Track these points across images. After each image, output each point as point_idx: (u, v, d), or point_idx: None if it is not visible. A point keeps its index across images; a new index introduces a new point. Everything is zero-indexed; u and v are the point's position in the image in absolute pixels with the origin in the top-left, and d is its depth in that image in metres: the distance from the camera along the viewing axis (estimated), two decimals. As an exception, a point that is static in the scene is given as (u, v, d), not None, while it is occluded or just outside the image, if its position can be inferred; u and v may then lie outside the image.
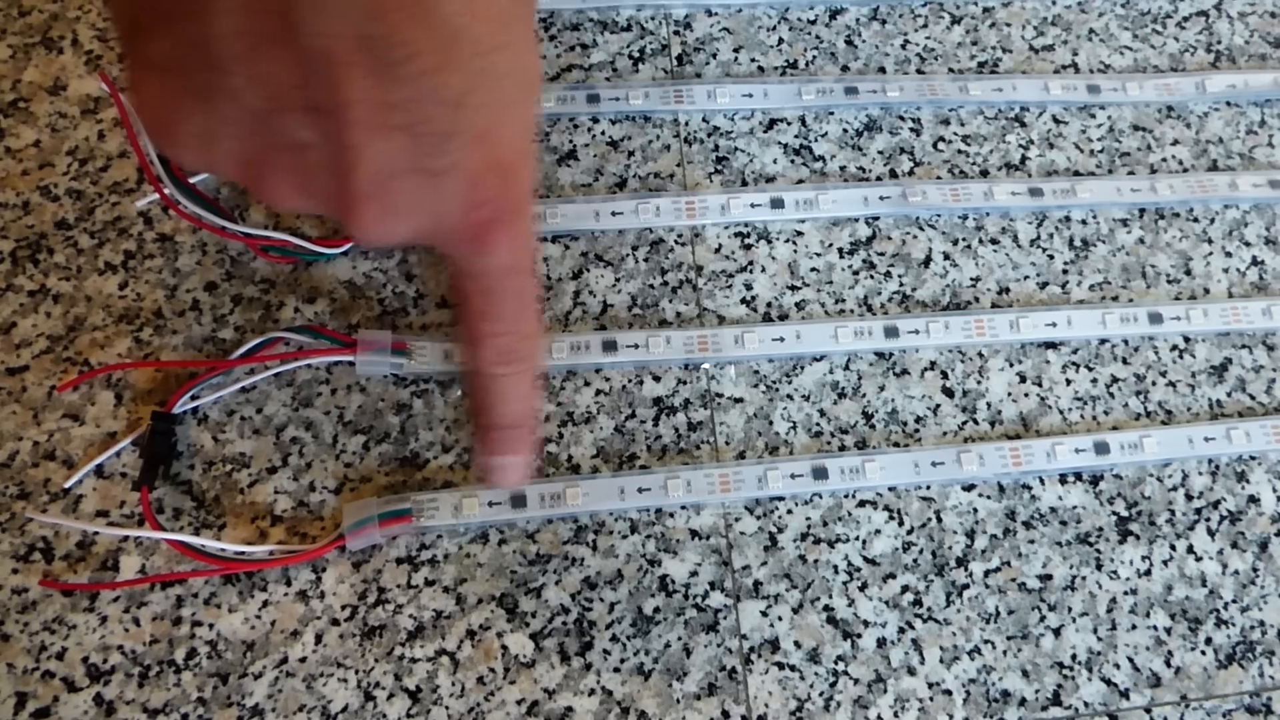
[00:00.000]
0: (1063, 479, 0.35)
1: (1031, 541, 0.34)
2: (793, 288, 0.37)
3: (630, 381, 0.35)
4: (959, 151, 0.40)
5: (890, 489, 0.34)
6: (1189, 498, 0.35)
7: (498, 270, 0.24)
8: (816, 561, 0.33)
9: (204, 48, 0.19)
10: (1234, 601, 0.34)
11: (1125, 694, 0.32)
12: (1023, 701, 0.32)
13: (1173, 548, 0.34)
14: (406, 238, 0.23)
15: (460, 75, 0.21)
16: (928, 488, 0.34)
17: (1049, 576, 0.33)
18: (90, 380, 0.34)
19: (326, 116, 0.20)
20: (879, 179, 0.39)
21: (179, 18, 0.20)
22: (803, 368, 0.36)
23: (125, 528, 0.32)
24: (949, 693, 0.32)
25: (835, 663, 0.32)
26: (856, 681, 0.32)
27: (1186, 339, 0.38)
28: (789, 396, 0.35)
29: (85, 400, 0.33)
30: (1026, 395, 0.36)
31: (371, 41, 0.19)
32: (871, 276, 0.38)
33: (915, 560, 0.33)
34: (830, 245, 0.38)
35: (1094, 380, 0.37)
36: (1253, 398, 0.37)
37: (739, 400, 0.35)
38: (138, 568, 0.31)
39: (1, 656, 0.30)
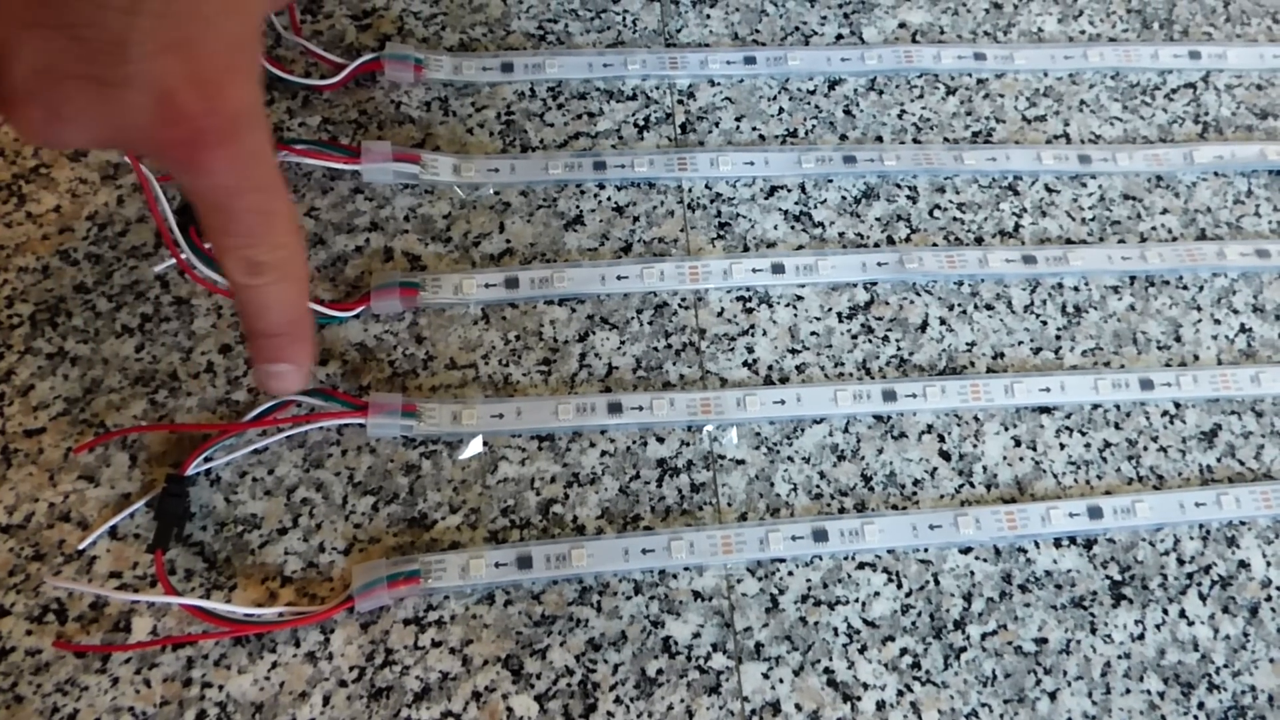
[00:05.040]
0: (1057, 543, 0.36)
1: (1027, 605, 0.35)
2: (793, 351, 0.38)
3: (635, 443, 0.36)
4: (954, 219, 0.41)
5: (889, 551, 0.35)
6: (1180, 562, 0.36)
7: (221, 190, 0.23)
8: (817, 624, 0.34)
9: None
10: (1225, 666, 0.34)
11: (1120, 758, 0.33)
12: (1020, 765, 0.32)
13: (1165, 612, 0.35)
14: (85, 144, 0.22)
15: None
16: (925, 550, 0.35)
17: (1044, 640, 0.34)
18: (106, 442, 0.34)
19: None
20: (877, 245, 0.40)
21: None
22: (803, 430, 0.37)
23: (138, 591, 0.32)
24: (947, 756, 0.32)
25: (835, 726, 0.32)
26: (856, 745, 0.32)
27: (1177, 405, 0.38)
28: (790, 459, 0.36)
29: (100, 462, 0.34)
30: (1021, 459, 0.37)
31: None
32: (870, 341, 0.39)
33: (914, 623, 0.34)
34: (829, 310, 0.39)
35: (1087, 445, 0.37)
36: (1242, 463, 0.38)
37: (741, 462, 0.36)
38: (149, 629, 0.32)
39: (15, 718, 0.31)
